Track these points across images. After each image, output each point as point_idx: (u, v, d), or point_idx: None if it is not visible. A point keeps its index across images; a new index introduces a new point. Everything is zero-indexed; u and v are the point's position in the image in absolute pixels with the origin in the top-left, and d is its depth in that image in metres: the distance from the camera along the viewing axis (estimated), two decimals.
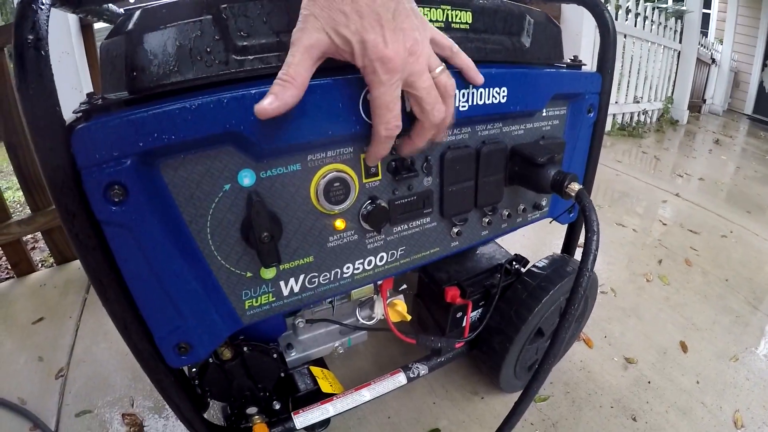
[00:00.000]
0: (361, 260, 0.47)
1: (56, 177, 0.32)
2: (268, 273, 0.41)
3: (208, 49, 0.36)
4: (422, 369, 0.69)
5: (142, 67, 0.35)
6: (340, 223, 0.43)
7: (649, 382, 0.91)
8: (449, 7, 0.47)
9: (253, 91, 0.34)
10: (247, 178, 0.37)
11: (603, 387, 0.90)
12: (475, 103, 0.46)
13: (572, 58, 0.65)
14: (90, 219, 0.34)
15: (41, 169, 0.32)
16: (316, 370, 0.64)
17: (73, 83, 1.16)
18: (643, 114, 3.25)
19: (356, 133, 0.39)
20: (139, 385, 0.88)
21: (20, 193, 2.62)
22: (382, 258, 0.48)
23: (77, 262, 1.41)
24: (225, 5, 0.36)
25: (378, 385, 0.66)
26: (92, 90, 1.26)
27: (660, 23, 3.04)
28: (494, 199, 0.55)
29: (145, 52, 0.35)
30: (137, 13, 0.36)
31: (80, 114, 0.35)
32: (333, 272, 0.45)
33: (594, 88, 0.64)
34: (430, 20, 0.46)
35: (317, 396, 0.61)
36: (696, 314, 1.13)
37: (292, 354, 0.63)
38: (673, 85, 3.51)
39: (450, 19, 0.47)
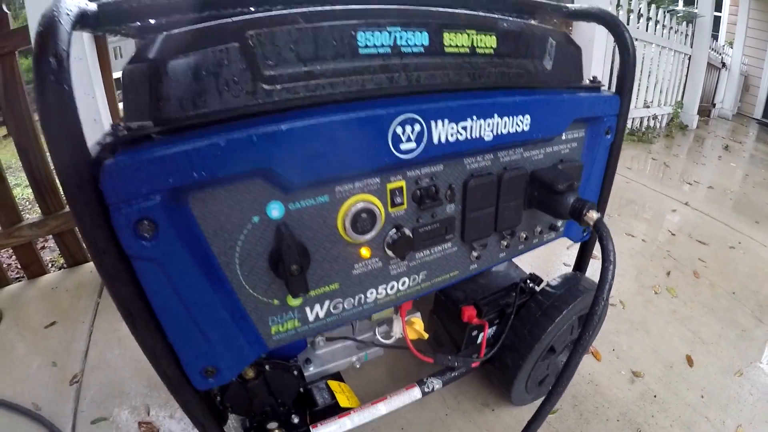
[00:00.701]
0: (385, 285, 0.48)
1: (84, 213, 0.31)
2: (295, 300, 0.43)
3: (235, 79, 0.35)
4: (436, 383, 0.71)
5: (167, 97, 0.34)
6: (365, 252, 0.44)
7: (655, 396, 0.92)
8: (474, 32, 0.47)
9: (284, 127, 0.35)
10: (275, 210, 0.38)
11: (610, 400, 0.91)
12: (499, 132, 0.47)
13: (591, 79, 0.66)
14: (119, 253, 0.33)
15: (69, 205, 0.32)
16: (333, 385, 0.66)
17: (86, 89, 1.16)
18: (653, 119, 3.24)
19: (384, 165, 0.40)
20: (155, 392, 0.90)
21: (28, 190, 2.65)
22: (404, 283, 0.50)
23: (89, 265, 1.42)
24: (252, 32, 0.36)
25: (394, 399, 0.67)
26: (104, 93, 1.27)
27: (671, 27, 3.03)
28: (513, 223, 0.57)
29: (170, 81, 0.34)
30: (160, 38, 0.35)
31: (105, 145, 0.34)
32: (357, 298, 0.47)
33: (612, 110, 0.64)
34: (455, 45, 0.46)
35: (335, 410, 0.63)
36: (702, 328, 1.14)
37: (311, 369, 0.65)
38: (683, 90, 3.49)
39: (475, 44, 0.47)
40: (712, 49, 3.66)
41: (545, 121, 0.52)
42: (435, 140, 0.41)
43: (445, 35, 0.44)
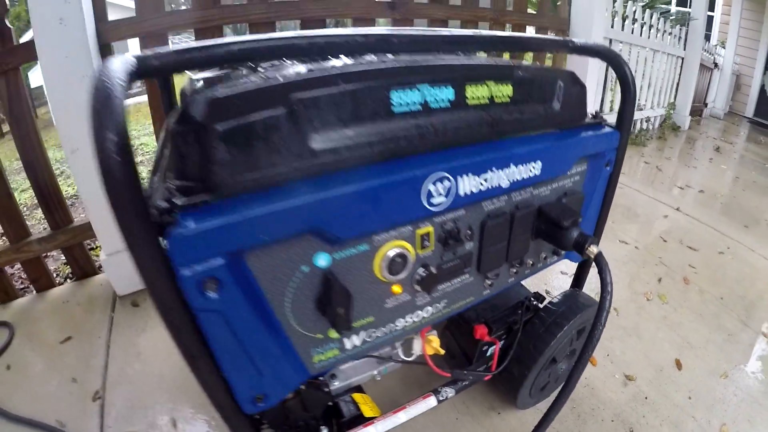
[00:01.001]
0: (411, 315, 0.55)
1: (152, 277, 0.34)
2: (336, 333, 0.49)
3: (283, 142, 0.39)
4: (450, 392, 0.79)
5: (219, 162, 0.36)
6: (397, 288, 0.51)
7: (646, 398, 1.01)
8: (492, 82, 0.52)
9: (333, 194, 0.40)
10: (322, 260, 0.44)
11: (605, 402, 1.00)
12: (514, 179, 0.54)
13: (593, 114, 0.73)
14: (184, 306, 0.37)
15: (136, 267, 0.34)
16: (357, 397, 0.73)
17: None
18: (645, 121, 3.34)
19: (417, 218, 0.47)
20: (180, 406, 0.95)
21: (25, 195, 2.65)
22: (428, 311, 0.57)
23: (99, 278, 1.44)
24: (297, 96, 0.39)
25: (412, 408, 0.75)
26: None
27: (665, 31, 3.11)
28: (522, 254, 0.64)
29: (221, 147, 0.36)
30: (208, 101, 0.36)
31: (165, 210, 0.36)
32: (388, 327, 0.54)
33: (613, 145, 0.71)
34: (477, 97, 0.50)
35: (360, 420, 0.70)
36: (691, 333, 1.24)
37: (336, 383, 0.71)
38: (676, 91, 3.60)
39: (493, 95, 0.52)
40: (705, 50, 3.76)
41: (554, 164, 0.59)
42: (461, 193, 0.48)
43: (468, 88, 0.49)
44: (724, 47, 4.68)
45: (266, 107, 0.38)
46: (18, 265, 1.41)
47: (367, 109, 0.43)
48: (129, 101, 0.37)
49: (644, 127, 3.34)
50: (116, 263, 1.29)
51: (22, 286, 1.66)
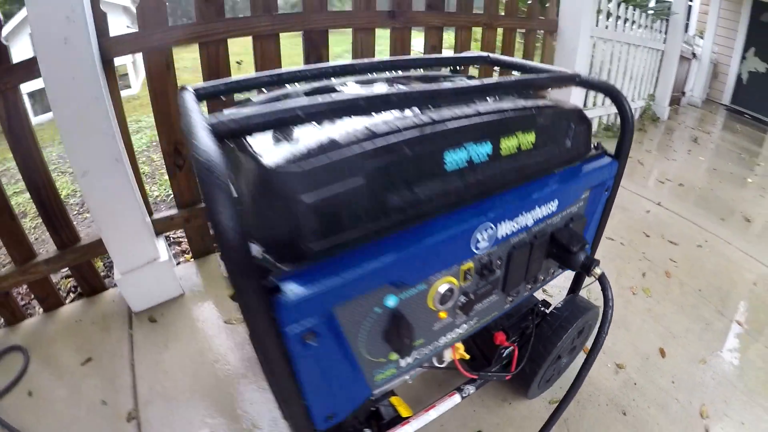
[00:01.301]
0: (451, 332, 0.68)
1: (262, 334, 0.43)
2: (395, 356, 0.62)
3: (362, 207, 0.49)
4: (471, 389, 0.93)
5: (309, 232, 0.45)
6: (443, 314, 0.64)
7: (635, 384, 1.20)
8: (520, 132, 0.64)
9: (409, 252, 0.52)
10: (391, 301, 0.56)
11: (600, 388, 1.18)
12: (537, 218, 0.67)
13: (595, 146, 0.86)
14: (283, 350, 0.46)
15: (247, 323, 0.43)
16: (393, 399, 0.86)
17: (104, 130, 1.15)
18: None
19: (465, 258, 0.59)
20: (217, 420, 1.04)
21: (19, 198, 2.59)
22: (463, 328, 0.70)
23: (108, 293, 1.48)
24: (373, 164, 0.49)
25: (440, 405, 0.89)
26: (119, 130, 1.31)
27: (647, 26, 3.32)
28: (537, 272, 0.78)
29: (310, 218, 0.44)
30: (295, 173, 0.44)
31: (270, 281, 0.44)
32: (434, 344, 0.67)
33: (612, 173, 0.85)
34: (508, 148, 0.61)
35: (398, 420, 0.84)
36: (673, 324, 1.44)
37: (376, 391, 0.85)
38: (656, 83, 3.84)
39: (521, 144, 0.64)
40: (684, 42, 4.01)
41: (568, 199, 0.73)
42: (499, 236, 0.61)
43: (502, 141, 0.62)
44: (702, 37, 4.98)
45: (347, 177, 0.48)
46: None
47: (426, 170, 0.54)
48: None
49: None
50: (131, 281, 1.35)
51: (22, 303, 1.69)
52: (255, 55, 1.47)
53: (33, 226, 2.43)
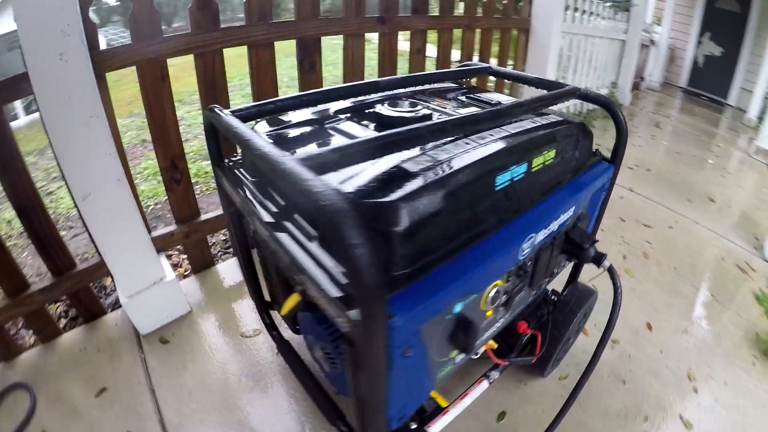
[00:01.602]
0: (492, 327, 0.81)
1: (376, 354, 0.50)
2: (455, 354, 0.74)
3: (443, 232, 0.60)
4: (495, 375, 1.07)
5: (402, 257, 0.55)
6: (489, 313, 0.76)
7: (629, 356, 1.39)
8: (545, 150, 0.78)
9: (479, 269, 0.63)
10: (459, 307, 0.66)
11: (600, 362, 1.33)
12: (560, 223, 0.81)
13: (594, 151, 1.02)
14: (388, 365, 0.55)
15: (365, 342, 0.51)
16: (432, 393, 0.98)
17: (105, 150, 1.16)
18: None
19: (512, 264, 0.72)
20: None
21: (5, 214, 2.42)
22: (501, 322, 0.83)
23: (109, 317, 1.47)
24: (449, 192, 0.59)
25: (472, 392, 1.03)
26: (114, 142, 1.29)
27: (609, 17, 3.62)
28: (554, 267, 0.92)
29: (403, 246, 0.54)
30: (387, 204, 0.53)
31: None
32: (480, 339, 0.79)
33: (609, 176, 1.01)
34: (537, 165, 0.74)
35: (438, 411, 0.96)
36: (655, 300, 1.66)
37: None
38: (618, 71, 4.18)
39: (545, 160, 0.78)
40: (643, 30, 4.38)
41: (580, 204, 0.87)
42: (536, 242, 0.74)
43: (534, 160, 0.75)
44: (659, 24, 5.43)
45: (429, 204, 0.58)
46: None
47: (482, 191, 0.66)
48: None
49: (591, 108, 3.87)
50: (139, 304, 1.37)
51: (13, 333, 1.63)
52: (251, 65, 1.51)
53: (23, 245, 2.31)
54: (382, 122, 0.78)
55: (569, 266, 1.22)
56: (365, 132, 0.76)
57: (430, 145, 0.68)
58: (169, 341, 1.39)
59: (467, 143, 0.70)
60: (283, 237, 0.63)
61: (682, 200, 2.49)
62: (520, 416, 1.17)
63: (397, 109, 0.80)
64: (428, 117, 0.79)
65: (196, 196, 1.63)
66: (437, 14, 2.02)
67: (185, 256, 1.93)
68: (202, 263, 1.72)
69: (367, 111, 0.85)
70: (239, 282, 1.66)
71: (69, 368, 1.26)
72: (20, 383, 1.20)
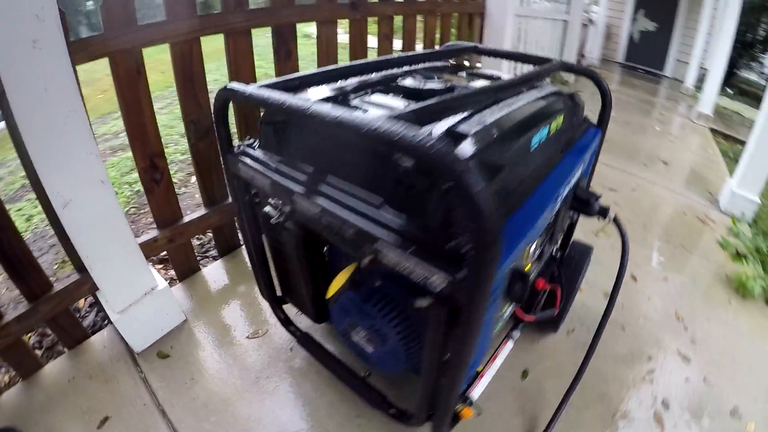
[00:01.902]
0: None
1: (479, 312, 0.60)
2: (507, 307, 0.82)
3: (509, 189, 0.69)
4: (517, 334, 1.18)
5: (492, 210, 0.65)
6: (528, 266, 0.85)
7: (623, 305, 1.57)
8: (557, 116, 0.89)
9: (538, 223, 0.72)
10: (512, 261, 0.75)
11: (598, 314, 1.49)
12: (575, 178, 0.92)
13: (583, 119, 1.15)
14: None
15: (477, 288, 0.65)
16: None
17: (87, 148, 1.09)
18: None
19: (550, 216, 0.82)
20: None
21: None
22: (534, 274, 0.94)
23: (94, 340, 1.38)
24: (513, 150, 0.70)
25: (501, 353, 1.12)
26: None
27: (554, 0, 3.93)
28: (566, 222, 1.04)
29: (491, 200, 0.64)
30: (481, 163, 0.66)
31: None
32: None
33: (598, 139, 1.15)
34: (554, 129, 0.85)
35: (476, 375, 1.04)
36: (634, 254, 1.83)
37: None
38: (562, 50, 4.54)
39: (558, 125, 0.90)
40: (583, 11, 4.78)
41: (586, 163, 0.99)
42: (561, 197, 0.84)
43: (552, 125, 0.85)
44: (597, 5, 5.96)
45: (503, 163, 0.67)
46: None
47: (522, 150, 0.75)
48: None
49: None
50: (130, 319, 1.30)
51: None
52: (228, 53, 1.49)
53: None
54: (410, 95, 0.84)
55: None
56: (399, 103, 0.81)
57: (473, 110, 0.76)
58: (170, 355, 1.33)
59: (501, 109, 0.78)
60: (339, 209, 0.67)
61: (639, 165, 2.78)
62: (541, 371, 1.29)
63: (423, 82, 0.87)
64: (453, 89, 0.86)
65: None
66: (402, 0, 2.12)
67: (161, 266, 1.86)
68: (187, 269, 1.66)
69: (392, 85, 0.91)
70: (229, 285, 1.63)
71: (60, 402, 1.17)
72: (8, 428, 1.09)
